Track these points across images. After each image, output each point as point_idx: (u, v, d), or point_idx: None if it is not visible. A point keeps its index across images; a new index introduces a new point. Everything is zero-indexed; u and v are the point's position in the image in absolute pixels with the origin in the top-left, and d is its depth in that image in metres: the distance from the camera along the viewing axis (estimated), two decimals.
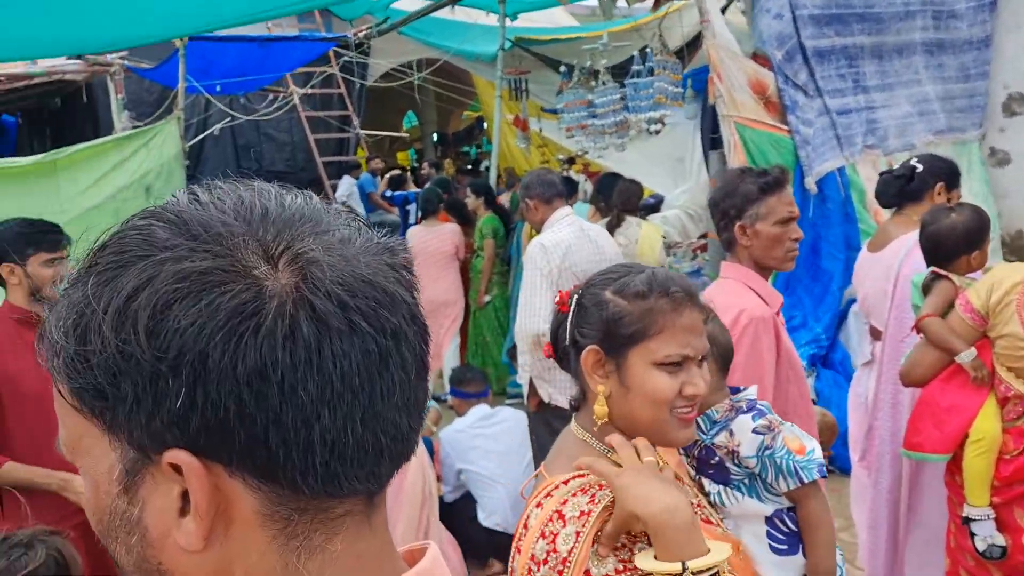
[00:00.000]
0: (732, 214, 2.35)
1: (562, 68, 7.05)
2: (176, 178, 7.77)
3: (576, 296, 1.49)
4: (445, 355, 6.47)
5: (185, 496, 0.56)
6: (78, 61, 8.93)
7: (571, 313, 1.47)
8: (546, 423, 3.78)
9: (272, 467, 0.56)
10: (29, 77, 9.16)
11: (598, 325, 1.42)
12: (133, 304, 0.54)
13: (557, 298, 1.52)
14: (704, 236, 7.07)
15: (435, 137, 16.21)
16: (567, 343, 1.47)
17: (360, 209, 10.75)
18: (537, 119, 7.54)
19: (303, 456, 0.56)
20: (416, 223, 9.79)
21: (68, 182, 7.20)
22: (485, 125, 14.32)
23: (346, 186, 10.71)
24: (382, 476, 0.62)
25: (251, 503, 0.57)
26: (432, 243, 6.47)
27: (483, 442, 4.04)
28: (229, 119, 8.89)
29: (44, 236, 2.69)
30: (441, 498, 4.22)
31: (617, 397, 1.41)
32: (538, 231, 3.93)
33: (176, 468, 0.56)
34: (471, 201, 6.81)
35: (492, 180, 7.43)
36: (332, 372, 0.55)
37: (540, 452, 3.85)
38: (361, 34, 9.64)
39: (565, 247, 3.71)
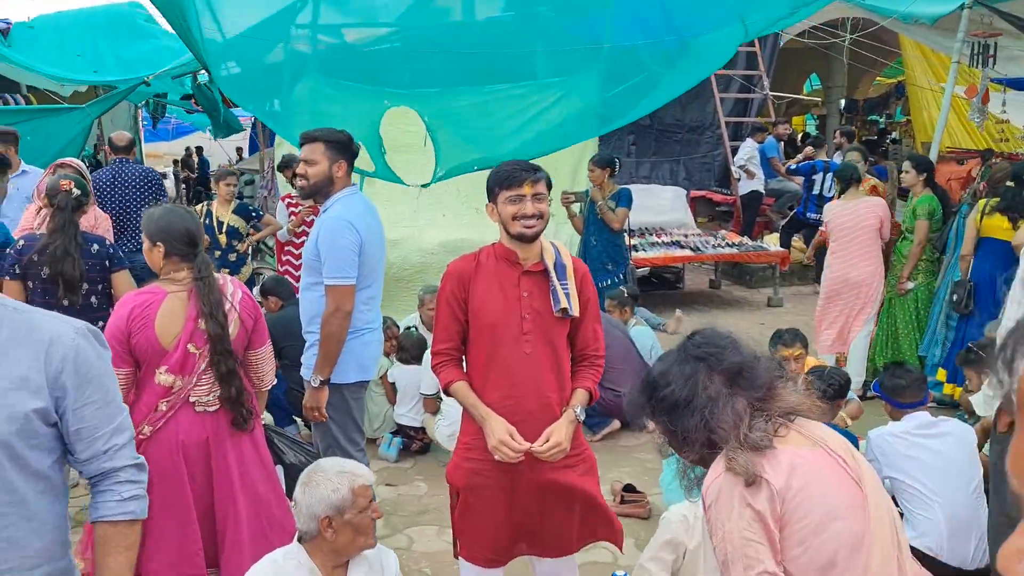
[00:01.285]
0: None
1: None
2: (590, 129, 7.97)
3: None
4: (853, 342, 5.91)
5: None
6: None
7: None
8: None
9: None
10: None
11: None
12: None
13: None
14: None
15: (842, 103, 15.02)
16: None
17: (760, 174, 10.31)
18: (1001, 91, 6.52)
19: None
20: (820, 193, 9.18)
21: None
22: (906, 93, 12.94)
23: (748, 149, 10.31)
24: None
25: None
26: (853, 217, 5.90)
27: (922, 453, 3.57)
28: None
29: (508, 175, 2.75)
30: None
31: None
32: None
33: None
34: (909, 177, 6.09)
35: (933, 155, 6.59)
36: None
37: (998, 479, 3.30)
38: None
39: None
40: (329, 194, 3.57)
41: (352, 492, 2.36)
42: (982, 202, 5.60)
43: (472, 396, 2.75)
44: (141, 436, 2.89)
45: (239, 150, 20.24)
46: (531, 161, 2.81)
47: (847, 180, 6.04)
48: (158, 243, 2.92)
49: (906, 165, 6.23)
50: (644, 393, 2.02)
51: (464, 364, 2.87)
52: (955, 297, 5.64)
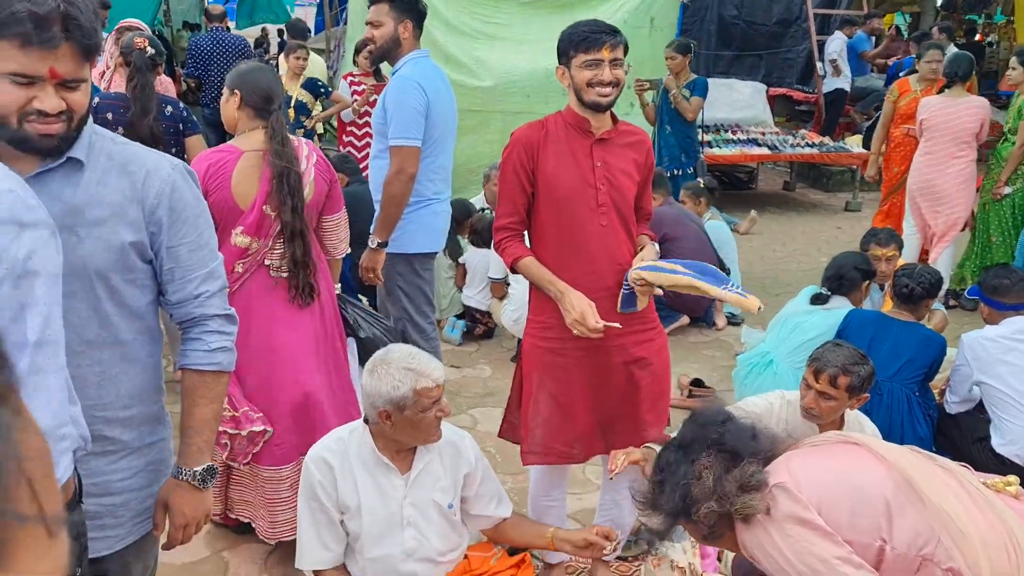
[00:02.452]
0: None
1: None
2: (674, 11, 7.66)
3: None
4: (944, 251, 5.62)
5: None
6: None
7: None
8: None
9: None
10: None
11: None
12: None
13: None
14: None
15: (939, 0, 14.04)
16: None
17: (846, 71, 9.76)
18: None
19: None
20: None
21: (584, 13, 7.45)
22: None
23: (837, 43, 9.73)
24: None
25: None
26: (953, 116, 5.52)
27: (1017, 358, 3.38)
28: None
29: (585, 36, 2.53)
30: (941, 407, 3.72)
31: None
32: None
33: None
34: (1016, 74, 5.65)
35: None
36: None
37: None
38: None
39: None
40: (398, 57, 3.49)
41: (415, 392, 2.26)
42: None
43: (546, 271, 2.60)
44: None
45: (280, 31, 19.91)
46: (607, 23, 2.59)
47: (952, 75, 5.61)
48: (235, 90, 2.84)
49: (1013, 61, 5.77)
50: (663, 506, 2.05)
51: (527, 241, 2.74)
52: None
